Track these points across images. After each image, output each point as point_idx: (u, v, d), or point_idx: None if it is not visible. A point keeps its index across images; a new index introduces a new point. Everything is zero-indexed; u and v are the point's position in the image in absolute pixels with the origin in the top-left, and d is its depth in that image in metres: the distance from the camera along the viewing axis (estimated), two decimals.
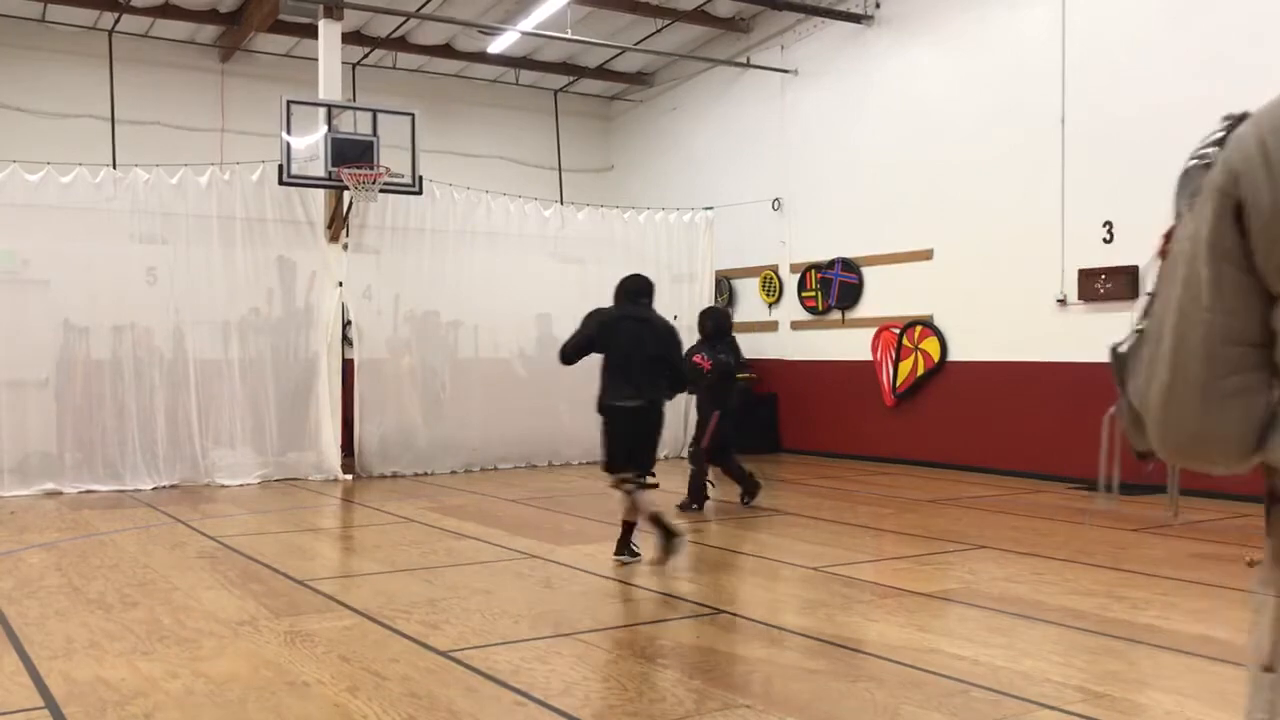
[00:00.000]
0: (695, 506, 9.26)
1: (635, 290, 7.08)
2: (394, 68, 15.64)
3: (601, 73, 16.62)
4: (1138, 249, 10.37)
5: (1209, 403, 1.44)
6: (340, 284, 11.59)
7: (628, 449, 6.65)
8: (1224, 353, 1.43)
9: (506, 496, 10.27)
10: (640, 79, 16.91)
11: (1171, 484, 1.97)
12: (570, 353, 6.81)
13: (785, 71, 14.33)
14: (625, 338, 6.70)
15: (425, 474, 11.95)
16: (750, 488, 9.53)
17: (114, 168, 11.77)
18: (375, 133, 11.42)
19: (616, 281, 7.39)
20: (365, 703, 4.15)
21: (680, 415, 13.08)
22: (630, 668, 4.59)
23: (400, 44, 14.98)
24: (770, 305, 14.65)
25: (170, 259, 11.03)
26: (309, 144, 11.17)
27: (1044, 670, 4.52)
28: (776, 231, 14.54)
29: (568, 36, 13.71)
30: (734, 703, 4.14)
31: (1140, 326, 1.61)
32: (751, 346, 14.81)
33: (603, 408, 6.70)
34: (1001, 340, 11.61)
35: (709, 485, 9.36)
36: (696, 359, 8.98)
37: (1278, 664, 1.50)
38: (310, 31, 12.63)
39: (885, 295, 13.00)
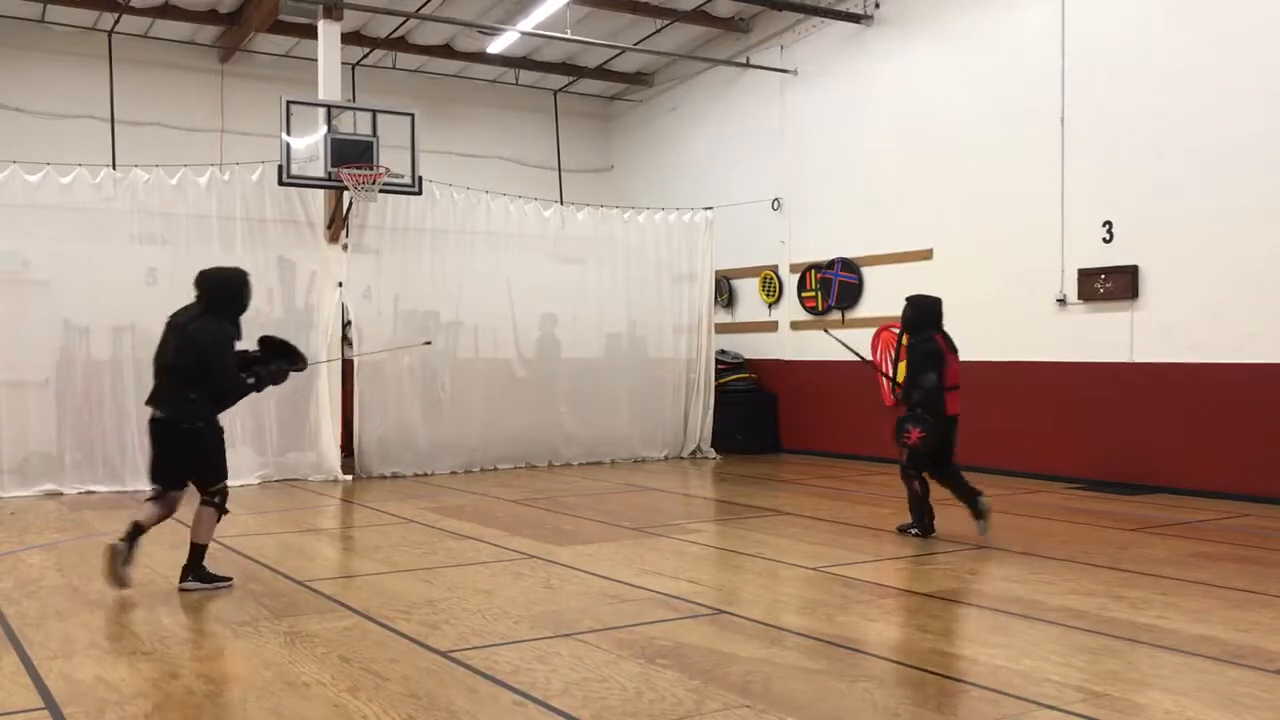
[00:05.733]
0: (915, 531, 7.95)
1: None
2: (394, 68, 15.65)
3: (601, 73, 16.62)
4: (1138, 249, 10.40)
5: None
6: (340, 284, 11.59)
7: None
8: None
9: (506, 496, 10.27)
10: (640, 79, 16.91)
11: None
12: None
13: (785, 71, 14.34)
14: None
15: (425, 474, 11.94)
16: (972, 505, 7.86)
17: (114, 168, 11.77)
18: (375, 133, 11.42)
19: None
20: (365, 703, 4.15)
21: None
22: (630, 668, 4.59)
23: (400, 44, 14.99)
24: (770, 305, 14.66)
25: (170, 259, 11.00)
26: (309, 144, 11.17)
27: (1044, 670, 4.52)
28: (776, 231, 14.54)
29: (568, 37, 13.72)
30: (734, 703, 4.14)
31: None
32: (751, 346, 14.85)
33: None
34: (1001, 340, 11.61)
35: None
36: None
37: None
38: (310, 32, 12.63)
39: (885, 295, 12.96)
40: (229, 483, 10.90)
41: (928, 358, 7.67)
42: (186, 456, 6.13)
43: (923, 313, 7.88)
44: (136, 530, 6.08)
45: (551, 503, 9.86)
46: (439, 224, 12.35)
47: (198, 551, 6.24)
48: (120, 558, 5.98)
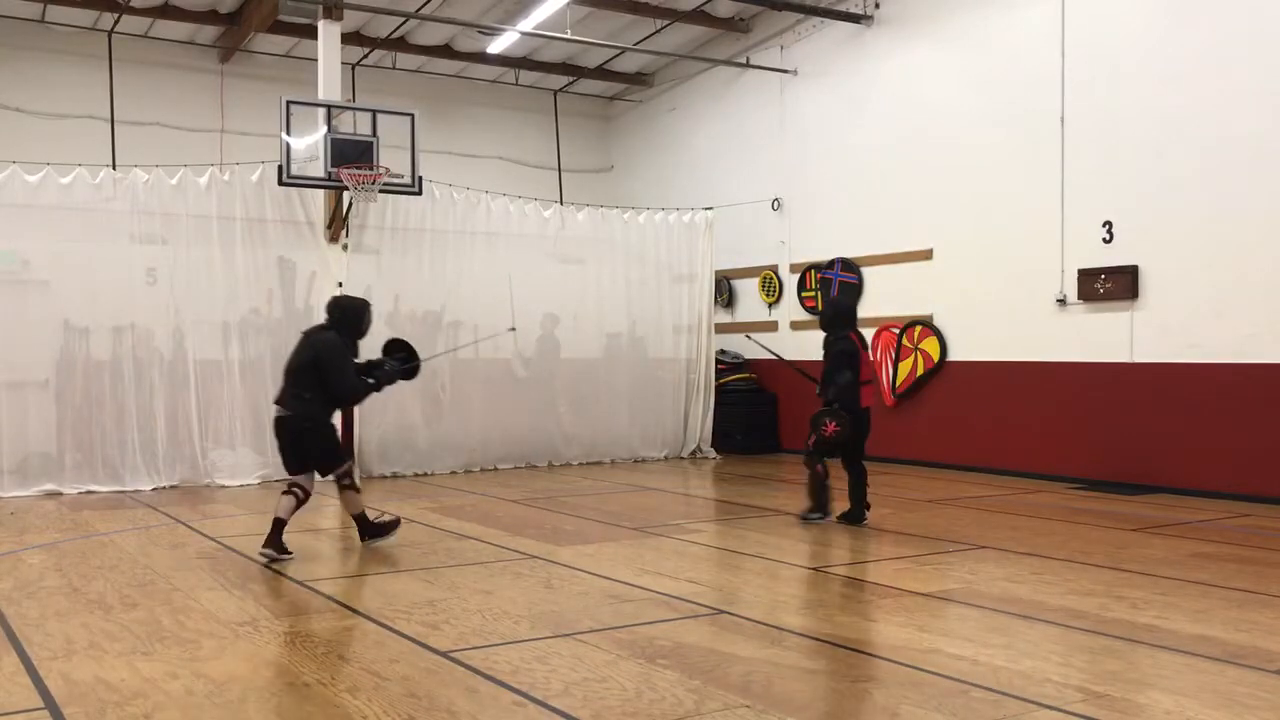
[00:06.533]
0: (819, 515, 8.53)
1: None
2: (394, 68, 15.64)
3: (601, 73, 16.62)
4: (1138, 249, 10.40)
5: None
6: (340, 284, 11.57)
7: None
8: None
9: (506, 497, 10.27)
10: (640, 79, 16.91)
11: None
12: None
13: (785, 71, 14.33)
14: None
15: (425, 474, 11.94)
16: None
17: (114, 168, 11.76)
18: (375, 133, 11.41)
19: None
20: (365, 703, 4.15)
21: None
22: (630, 668, 4.59)
23: (400, 44, 14.98)
24: (770, 305, 14.65)
25: (170, 259, 11.02)
26: (309, 144, 11.17)
27: (1044, 670, 4.52)
28: (776, 231, 14.54)
29: (567, 37, 13.72)
30: (734, 703, 4.14)
31: None
32: (751, 346, 14.83)
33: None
34: (1001, 340, 11.61)
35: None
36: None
37: None
38: (310, 32, 12.63)
39: (885, 295, 12.99)
40: (229, 483, 11.05)
41: (843, 356, 8.26)
42: (303, 448, 7.19)
43: (839, 313, 8.57)
44: (279, 525, 7.09)
45: (551, 503, 9.86)
46: (439, 224, 12.34)
47: (360, 518, 7.47)
48: (271, 557, 6.98)
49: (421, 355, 7.83)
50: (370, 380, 7.38)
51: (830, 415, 8.26)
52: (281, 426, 7.17)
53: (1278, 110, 9.34)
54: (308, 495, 7.22)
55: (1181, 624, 5.29)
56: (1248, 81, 9.55)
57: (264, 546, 6.99)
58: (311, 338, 7.28)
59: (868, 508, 8.39)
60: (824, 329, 8.57)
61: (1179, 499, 9.60)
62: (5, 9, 13.31)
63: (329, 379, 7.09)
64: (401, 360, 7.62)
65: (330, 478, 7.35)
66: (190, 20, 13.88)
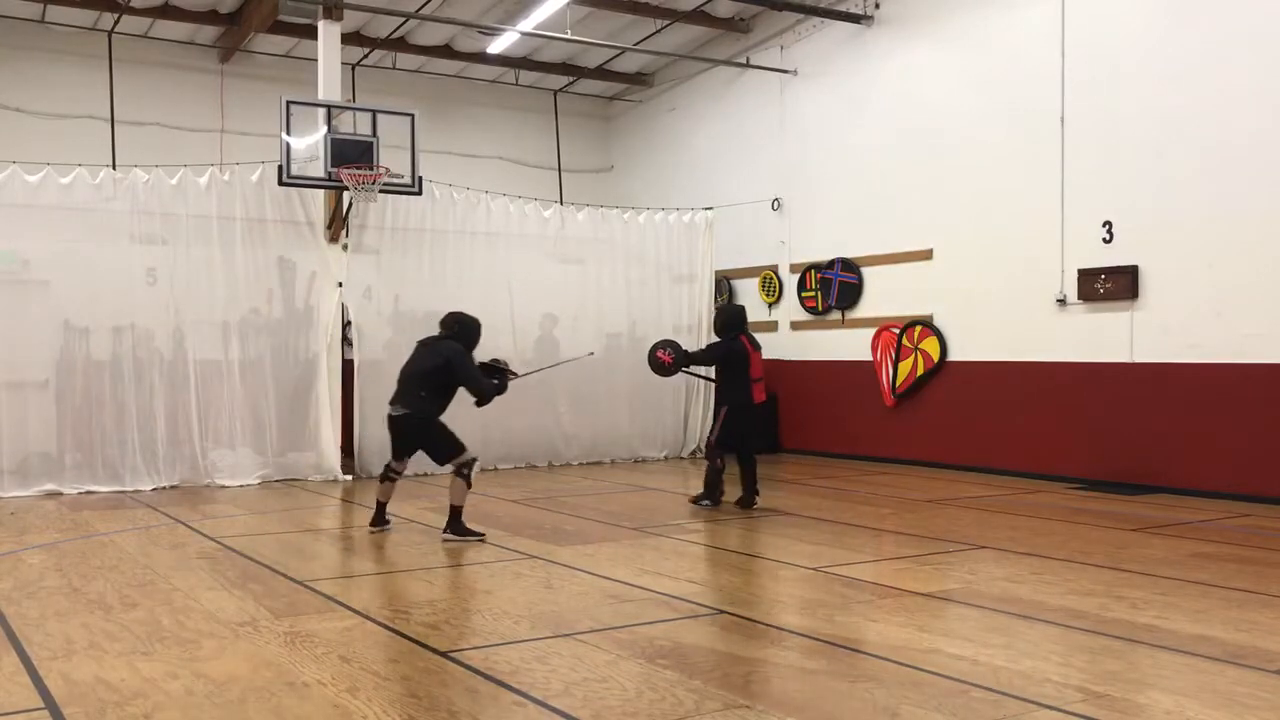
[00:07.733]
0: (708, 502, 9.49)
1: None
2: (394, 68, 15.65)
3: (601, 73, 16.63)
4: (1138, 249, 10.40)
5: None
6: (340, 284, 11.59)
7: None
8: None
9: (506, 497, 10.27)
10: (640, 79, 16.91)
11: None
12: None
13: (785, 72, 14.34)
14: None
15: (425, 474, 11.92)
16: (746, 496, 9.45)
17: (114, 168, 11.76)
18: (375, 133, 11.41)
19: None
20: (365, 703, 4.15)
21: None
22: (630, 668, 4.59)
23: (400, 44, 14.99)
24: (770, 305, 14.65)
25: (170, 259, 11.02)
26: (309, 144, 11.17)
27: (1044, 670, 4.52)
28: (776, 231, 14.54)
29: (567, 37, 13.72)
30: (734, 703, 4.13)
31: None
32: None
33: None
34: (1001, 340, 11.62)
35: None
36: (660, 353, 9.73)
37: None
38: (310, 32, 12.63)
39: (885, 295, 13.00)
40: (229, 483, 11.03)
41: (731, 354, 9.22)
42: (417, 441, 7.98)
43: (725, 318, 9.57)
44: (381, 508, 8.25)
45: (551, 503, 9.86)
46: (439, 224, 12.34)
47: (454, 511, 7.84)
48: (381, 528, 8.20)
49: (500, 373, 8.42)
50: (495, 381, 8.11)
51: (662, 346, 9.58)
52: (397, 423, 7.95)
53: (1278, 110, 9.34)
54: (399, 477, 8.27)
55: (1181, 624, 5.29)
56: (1248, 81, 9.56)
57: (371, 525, 8.20)
58: (437, 345, 7.95)
59: (757, 494, 9.31)
60: (716, 333, 9.55)
61: (1179, 499, 9.60)
62: (5, 9, 13.31)
63: (465, 382, 7.88)
64: (502, 375, 8.30)
65: (449, 466, 7.90)
66: (190, 20, 13.89)
